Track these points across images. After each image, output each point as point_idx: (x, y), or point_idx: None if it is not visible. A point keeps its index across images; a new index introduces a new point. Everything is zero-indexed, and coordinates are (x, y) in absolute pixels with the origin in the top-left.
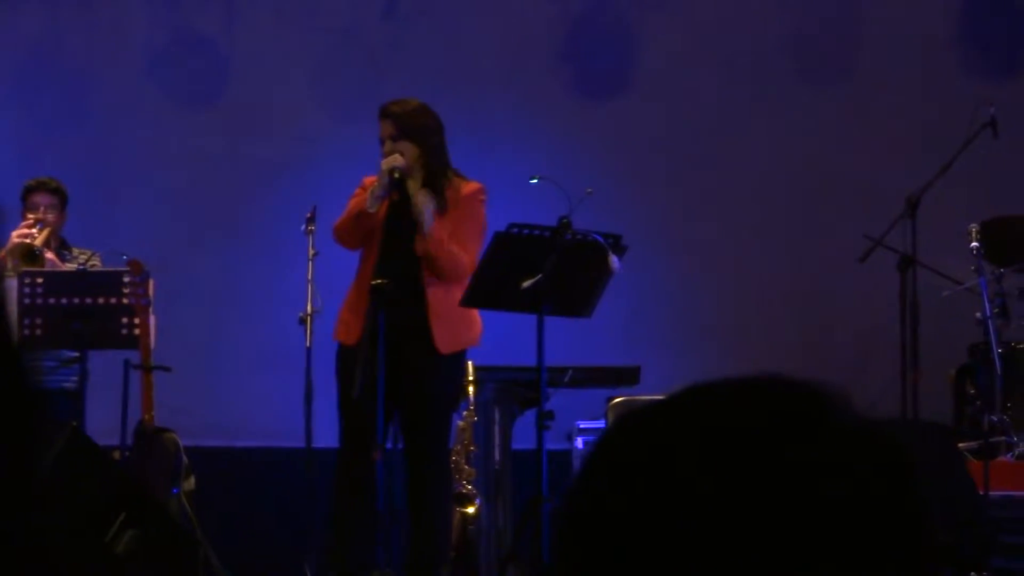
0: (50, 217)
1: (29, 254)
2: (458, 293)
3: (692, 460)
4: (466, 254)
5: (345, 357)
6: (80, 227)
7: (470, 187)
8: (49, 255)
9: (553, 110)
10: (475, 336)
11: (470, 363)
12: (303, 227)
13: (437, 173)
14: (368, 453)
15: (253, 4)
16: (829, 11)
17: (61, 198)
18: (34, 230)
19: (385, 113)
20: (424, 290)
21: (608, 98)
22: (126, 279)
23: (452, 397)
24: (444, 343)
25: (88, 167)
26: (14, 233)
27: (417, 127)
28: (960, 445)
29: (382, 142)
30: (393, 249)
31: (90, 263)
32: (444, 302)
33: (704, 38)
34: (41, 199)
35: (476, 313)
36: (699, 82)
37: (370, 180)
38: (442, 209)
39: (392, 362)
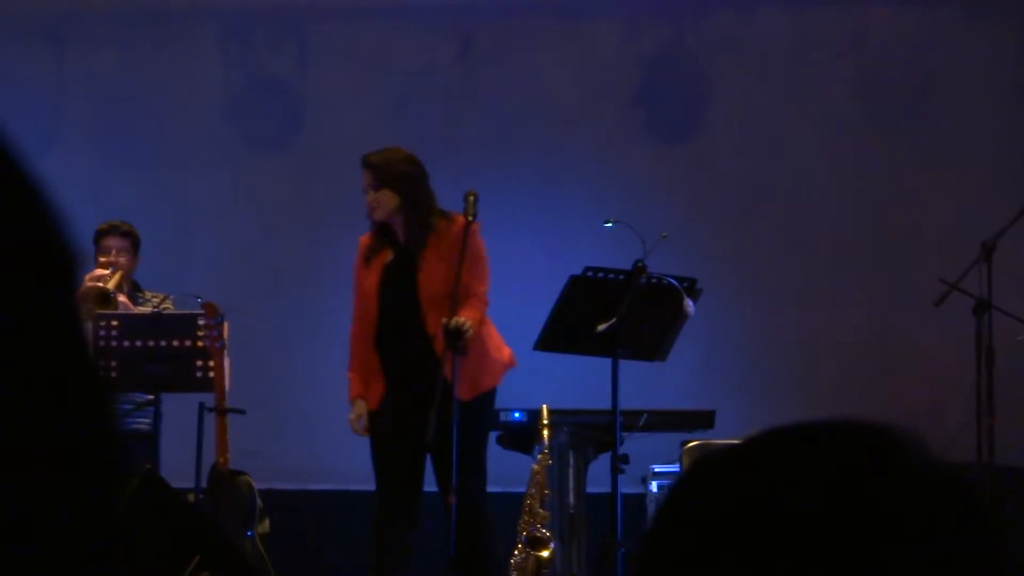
0: (122, 260)
1: (102, 297)
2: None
3: (768, 506)
4: (478, 303)
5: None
6: (154, 270)
7: (458, 223)
8: (122, 298)
9: (627, 153)
10: (495, 378)
11: (545, 407)
12: None
13: (422, 219)
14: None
15: (327, 46)
16: (902, 54)
17: (133, 241)
18: (106, 273)
19: (365, 163)
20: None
21: (682, 141)
22: (201, 322)
23: (479, 440)
24: (463, 391)
25: (163, 210)
26: (87, 277)
27: (396, 175)
28: None
29: (365, 192)
30: (394, 314)
31: (163, 306)
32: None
33: (777, 81)
34: (113, 242)
35: (495, 354)
36: (772, 125)
37: (365, 241)
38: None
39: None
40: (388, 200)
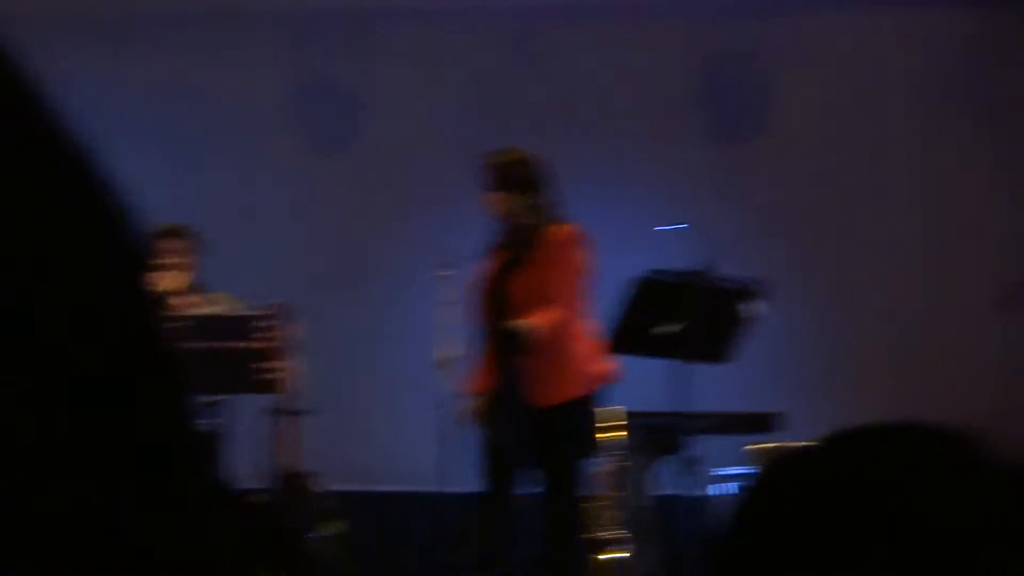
0: (182, 262)
1: (163, 300)
2: (553, 349)
3: (844, 506)
4: (555, 309)
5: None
6: (218, 272)
7: (559, 232)
8: (182, 300)
9: (691, 155)
10: (579, 388)
11: (621, 409)
12: (439, 272)
13: (530, 223)
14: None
15: (388, 48)
16: (959, 57)
17: (194, 243)
18: (168, 275)
19: (486, 163)
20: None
21: (747, 143)
22: (264, 323)
23: (565, 447)
24: (538, 398)
25: (225, 211)
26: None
27: (512, 178)
28: None
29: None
30: (490, 314)
31: (223, 307)
32: (535, 359)
33: (841, 80)
34: (173, 244)
35: (581, 364)
36: (836, 126)
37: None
38: (522, 263)
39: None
40: (500, 201)
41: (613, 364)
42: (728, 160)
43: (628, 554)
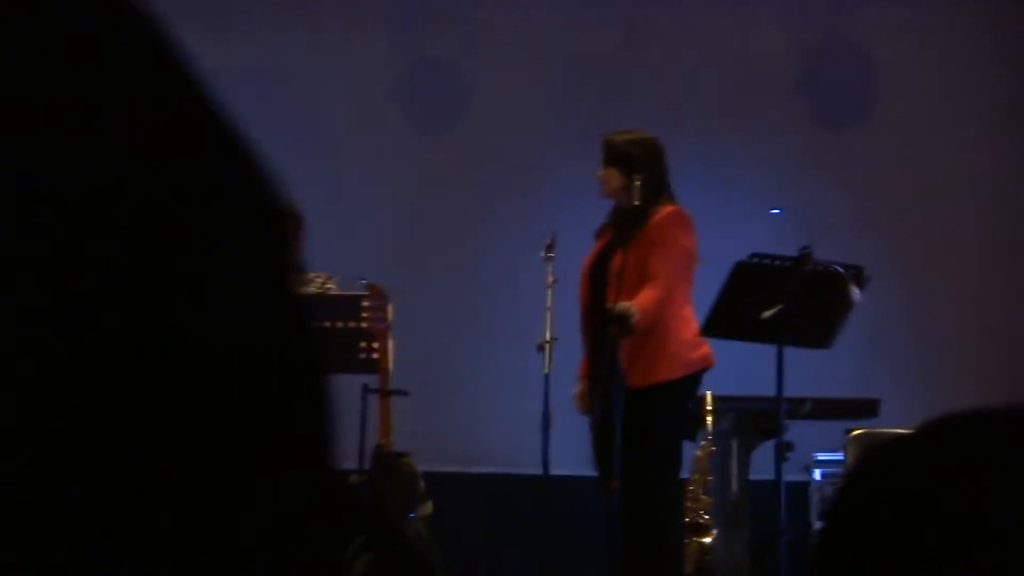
0: None
1: None
2: (652, 330)
3: (945, 492)
4: (656, 288)
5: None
6: (319, 250)
7: (663, 213)
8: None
9: (792, 141)
10: (672, 371)
11: (709, 393)
12: (542, 254)
13: (638, 205)
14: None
15: (493, 30)
16: None
17: (295, 222)
18: None
19: (603, 141)
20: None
21: (848, 127)
22: (365, 303)
23: (661, 430)
24: (632, 378)
25: (327, 191)
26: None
27: (623, 156)
28: None
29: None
30: (594, 295)
31: (326, 287)
32: (635, 342)
33: (945, 67)
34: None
35: (675, 347)
36: (939, 112)
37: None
38: (625, 244)
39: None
40: (612, 178)
41: (709, 348)
42: (829, 144)
43: (714, 540)
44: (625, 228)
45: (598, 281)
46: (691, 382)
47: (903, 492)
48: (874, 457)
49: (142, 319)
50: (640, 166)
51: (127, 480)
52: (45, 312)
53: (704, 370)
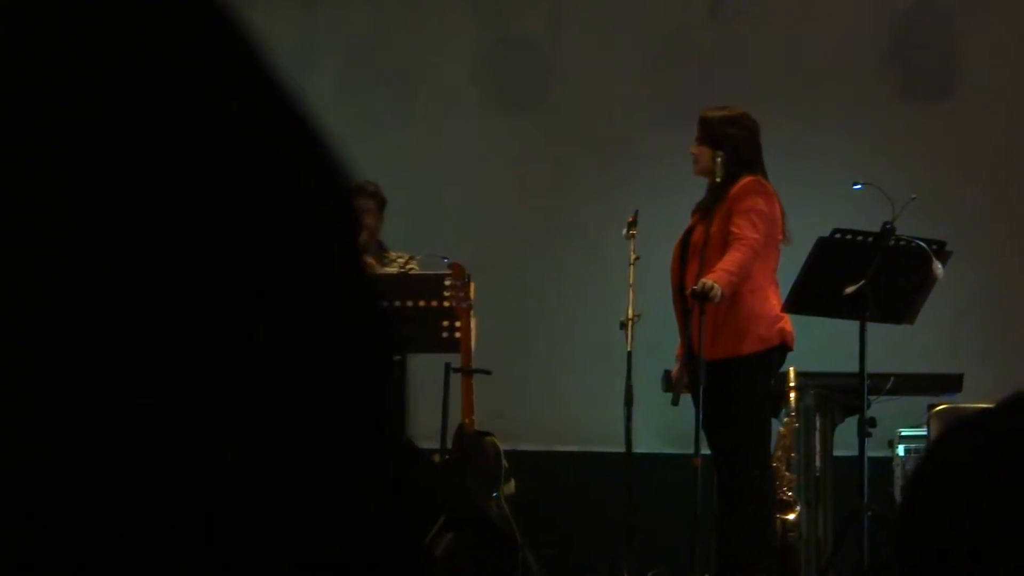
0: (367, 220)
1: None
2: (733, 300)
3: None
4: (737, 249)
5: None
6: (402, 229)
7: (740, 183)
8: (368, 259)
9: (878, 114)
10: (743, 345)
11: (792, 369)
12: (625, 231)
13: (726, 180)
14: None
15: (578, 5)
16: None
17: (378, 202)
18: None
19: (699, 117)
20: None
21: (934, 101)
22: (447, 282)
23: (728, 407)
24: (710, 351)
25: (410, 169)
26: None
27: (716, 134)
28: None
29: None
30: (680, 272)
31: (408, 266)
32: (715, 313)
33: None
34: (359, 202)
35: (748, 322)
36: None
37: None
38: (708, 217)
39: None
40: (704, 156)
41: (789, 327)
42: (915, 119)
43: (798, 516)
44: (713, 203)
45: (686, 256)
46: (768, 357)
47: (982, 466)
48: (954, 431)
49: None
50: (729, 142)
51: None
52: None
53: (784, 346)
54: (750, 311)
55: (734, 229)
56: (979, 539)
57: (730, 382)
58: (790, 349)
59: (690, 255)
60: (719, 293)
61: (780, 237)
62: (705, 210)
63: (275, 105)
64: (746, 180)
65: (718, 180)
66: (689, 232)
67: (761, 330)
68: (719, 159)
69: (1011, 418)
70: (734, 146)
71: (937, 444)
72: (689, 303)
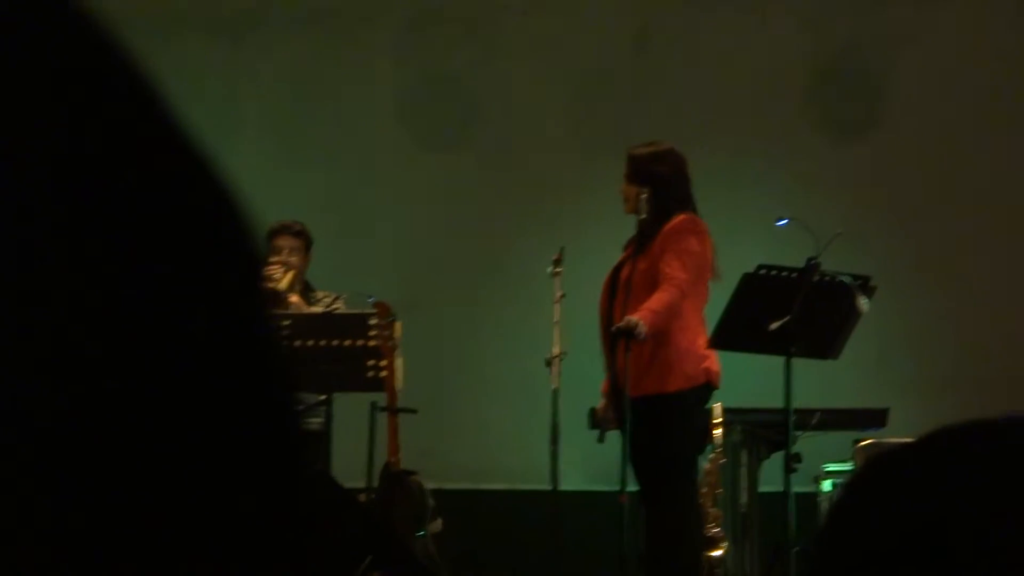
0: (293, 260)
1: (273, 298)
2: (661, 337)
3: (945, 501)
4: (665, 290)
5: None
6: (327, 269)
7: (674, 221)
8: (293, 299)
9: (802, 149)
10: (667, 383)
11: (718, 405)
12: (550, 268)
13: (656, 218)
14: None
15: (503, 44)
16: None
17: (305, 241)
18: (278, 273)
19: (627, 155)
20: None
21: (857, 137)
22: (373, 321)
23: (652, 445)
24: (631, 387)
25: (336, 208)
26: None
27: (643, 171)
28: None
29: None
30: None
31: (334, 306)
32: (643, 350)
33: (953, 77)
34: (285, 242)
35: (676, 357)
36: (948, 121)
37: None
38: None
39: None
40: (632, 194)
41: (716, 365)
42: (838, 154)
43: (724, 552)
44: (640, 240)
45: (615, 293)
46: (694, 396)
47: (902, 500)
48: (874, 465)
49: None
50: (657, 178)
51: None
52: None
53: (709, 385)
54: (677, 349)
55: (665, 269)
56: (898, 573)
57: (655, 419)
58: (715, 387)
59: (619, 291)
60: (643, 331)
61: (710, 275)
62: (638, 246)
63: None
64: (680, 218)
65: (643, 217)
66: (619, 267)
67: (687, 368)
68: (644, 196)
69: (932, 452)
70: (662, 182)
71: (857, 478)
72: (620, 344)
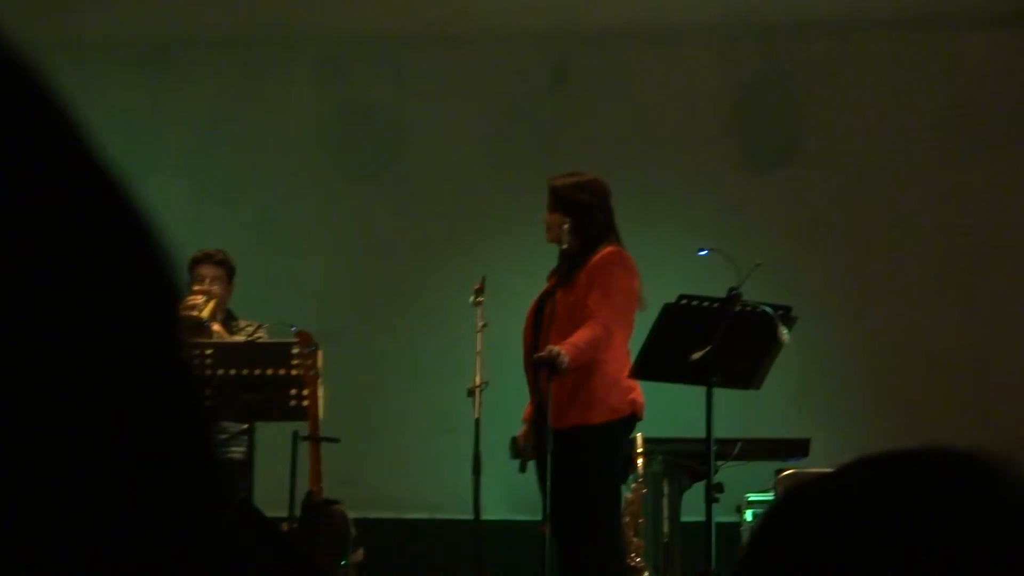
0: (215, 289)
1: (196, 327)
2: (587, 370)
3: (861, 532)
4: (590, 327)
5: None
6: (250, 298)
7: (601, 254)
8: (216, 327)
9: (722, 180)
10: (591, 415)
11: (639, 435)
12: (472, 298)
13: (582, 247)
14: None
15: (423, 75)
16: (997, 77)
17: (227, 270)
18: (200, 302)
19: (548, 185)
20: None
21: (777, 169)
22: (295, 350)
23: (572, 476)
24: (555, 418)
25: (258, 238)
26: (180, 305)
27: (566, 201)
28: None
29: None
30: (535, 339)
31: (257, 334)
32: (568, 382)
33: (872, 107)
34: (207, 271)
35: (602, 391)
36: (868, 151)
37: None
38: (564, 285)
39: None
40: (556, 223)
41: (640, 396)
42: (760, 185)
43: None
44: (568, 271)
45: (540, 324)
46: (618, 427)
47: (817, 530)
48: (791, 496)
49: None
50: (580, 208)
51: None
52: None
53: (634, 416)
54: (603, 381)
55: (591, 304)
56: None
57: (579, 450)
58: (640, 418)
59: (545, 321)
60: (565, 362)
61: (636, 307)
62: (563, 277)
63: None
64: (607, 251)
65: (565, 247)
66: (545, 297)
67: (612, 400)
68: (566, 226)
69: (849, 482)
70: (585, 211)
71: (775, 508)
72: (542, 374)
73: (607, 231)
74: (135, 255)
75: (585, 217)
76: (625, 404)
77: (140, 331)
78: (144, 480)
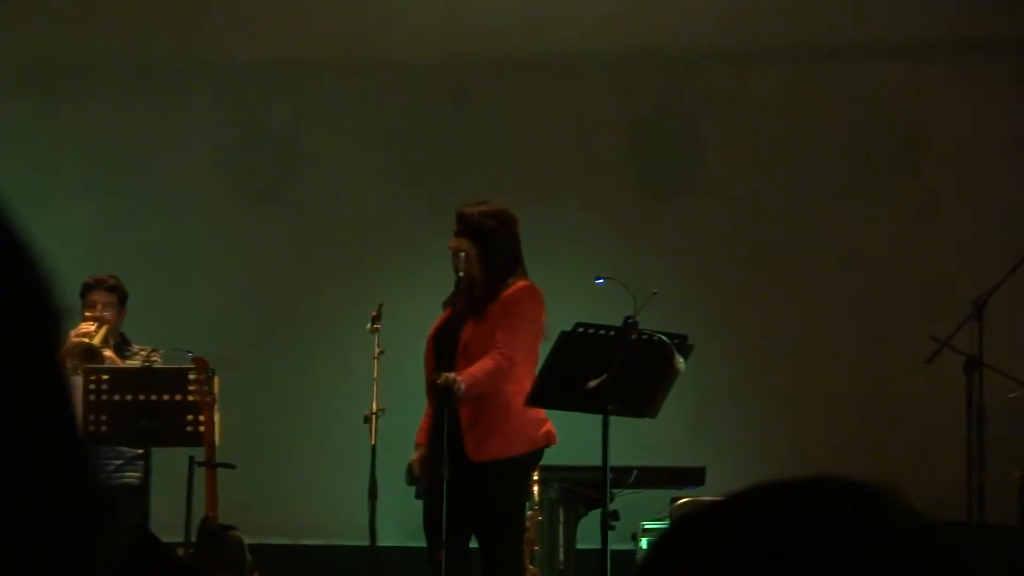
0: (107, 315)
1: (88, 352)
2: (494, 402)
3: (751, 559)
4: (492, 357)
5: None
6: (145, 324)
7: (514, 287)
8: (108, 353)
9: (619, 209)
10: (510, 447)
11: None
12: (368, 325)
13: (491, 276)
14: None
15: (321, 100)
16: (894, 110)
17: (119, 295)
18: (92, 328)
19: (457, 211)
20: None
21: (673, 198)
22: (191, 376)
23: (498, 506)
24: (474, 452)
25: (153, 262)
26: (72, 332)
27: (474, 228)
28: None
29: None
30: (441, 359)
31: (151, 359)
32: (473, 412)
33: (770, 136)
34: (99, 296)
35: (518, 423)
36: (764, 182)
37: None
38: (476, 316)
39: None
40: (464, 248)
41: (552, 426)
42: (657, 214)
43: None
44: (476, 300)
45: (443, 351)
46: (534, 458)
47: (705, 559)
48: (680, 523)
49: None
50: (488, 235)
51: None
52: None
53: (548, 446)
54: (522, 414)
55: (499, 336)
56: None
57: (499, 482)
58: (551, 446)
59: (459, 353)
60: (461, 389)
61: (541, 340)
62: (471, 306)
63: None
64: (520, 286)
65: (462, 274)
66: (450, 327)
67: (530, 431)
68: (472, 253)
69: (738, 511)
70: (493, 239)
71: (665, 535)
72: (452, 399)
73: (514, 262)
74: (8, 278)
75: (492, 244)
76: (541, 436)
77: (11, 354)
78: (15, 507)
